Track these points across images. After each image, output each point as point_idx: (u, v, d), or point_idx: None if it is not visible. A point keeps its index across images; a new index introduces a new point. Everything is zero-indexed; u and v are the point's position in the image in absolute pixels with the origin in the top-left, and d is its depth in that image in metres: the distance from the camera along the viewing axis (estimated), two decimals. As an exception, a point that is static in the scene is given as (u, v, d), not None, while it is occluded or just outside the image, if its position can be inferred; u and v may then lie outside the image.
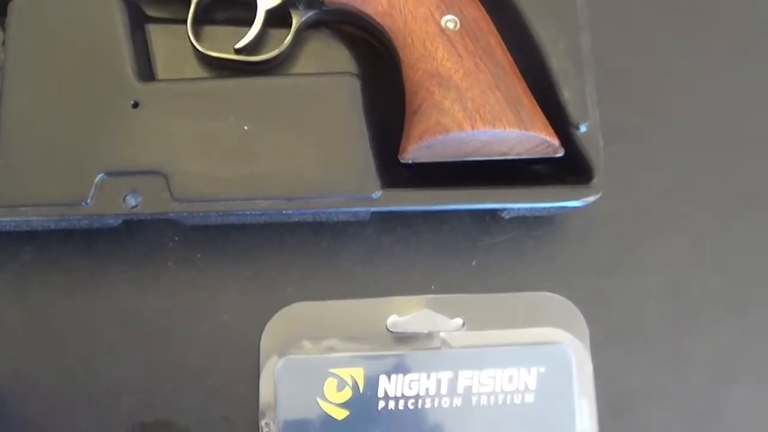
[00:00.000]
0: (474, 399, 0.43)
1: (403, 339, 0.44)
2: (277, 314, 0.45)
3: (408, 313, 0.45)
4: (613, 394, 0.45)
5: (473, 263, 0.46)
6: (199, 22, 0.45)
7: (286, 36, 0.44)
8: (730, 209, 0.47)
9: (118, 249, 0.45)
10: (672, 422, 0.45)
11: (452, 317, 0.45)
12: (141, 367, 0.44)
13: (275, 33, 0.46)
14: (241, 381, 0.44)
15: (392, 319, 0.45)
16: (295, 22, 0.44)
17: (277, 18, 0.45)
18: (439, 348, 0.44)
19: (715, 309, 0.46)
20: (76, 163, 0.42)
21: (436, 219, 0.46)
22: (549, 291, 0.45)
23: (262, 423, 0.44)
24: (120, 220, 0.44)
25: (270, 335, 0.45)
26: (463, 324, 0.45)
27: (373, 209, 0.42)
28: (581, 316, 0.45)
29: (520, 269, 0.46)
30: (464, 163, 0.43)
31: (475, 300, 0.45)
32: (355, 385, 0.43)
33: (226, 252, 0.46)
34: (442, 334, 0.44)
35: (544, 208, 0.43)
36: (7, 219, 0.42)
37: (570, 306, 0.45)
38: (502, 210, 0.44)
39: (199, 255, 0.46)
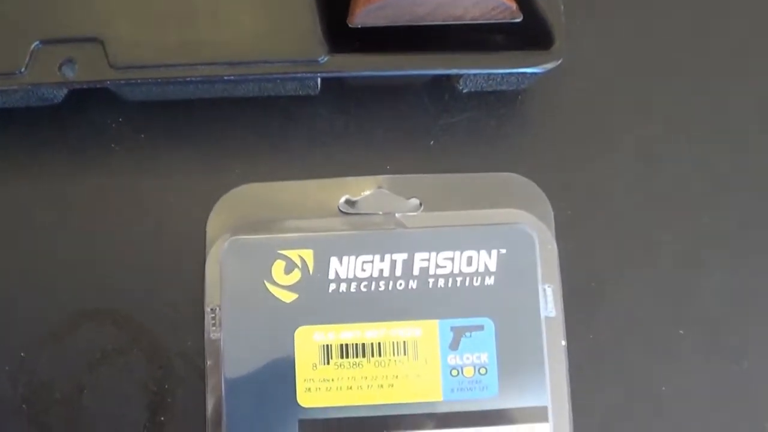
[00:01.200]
0: (431, 281, 0.41)
1: (356, 220, 0.42)
2: (224, 196, 0.42)
3: (361, 194, 0.43)
4: (579, 279, 0.42)
5: (431, 143, 0.43)
6: None
7: None
8: (704, 84, 0.44)
9: (59, 131, 0.43)
10: (639, 308, 0.42)
11: (408, 198, 0.42)
12: (82, 252, 0.42)
13: None
14: (187, 266, 0.42)
15: (345, 200, 0.42)
16: None
17: None
18: (394, 229, 0.42)
19: (685, 192, 0.43)
20: (10, 31, 0.40)
21: (392, 97, 0.43)
22: (512, 172, 0.43)
23: (208, 309, 0.41)
24: (60, 96, 0.41)
25: (217, 218, 0.42)
26: (420, 205, 0.42)
27: (320, 75, 0.40)
28: (545, 199, 0.43)
29: (481, 149, 0.43)
30: (419, 32, 0.40)
31: (432, 181, 0.43)
32: (305, 267, 0.41)
33: (172, 132, 0.43)
34: (397, 215, 0.42)
35: (503, 76, 0.41)
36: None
37: (533, 188, 0.43)
38: (458, 78, 0.41)
39: (143, 136, 0.43)
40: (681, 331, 0.43)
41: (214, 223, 0.42)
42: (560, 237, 0.42)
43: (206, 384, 0.41)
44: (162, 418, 0.41)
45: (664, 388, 0.42)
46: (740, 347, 0.42)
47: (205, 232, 0.42)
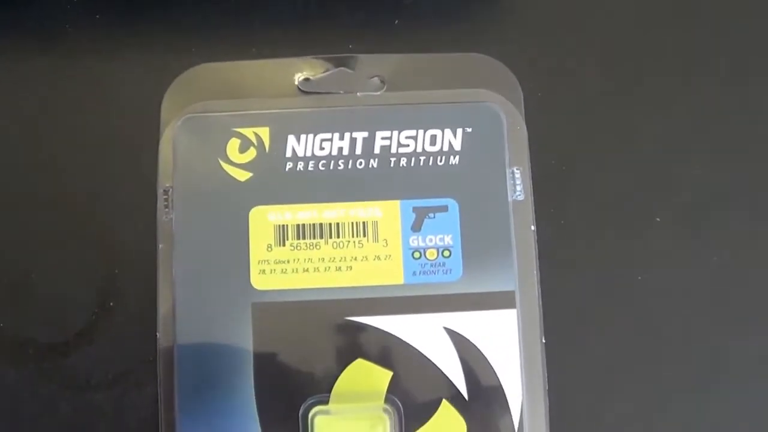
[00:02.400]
0: (392, 161, 0.39)
1: (315, 99, 0.40)
2: (180, 77, 0.40)
3: (322, 73, 0.41)
4: (549, 163, 0.40)
5: (396, 22, 0.41)
6: None
7: None
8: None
9: (12, 12, 0.42)
10: (613, 194, 0.40)
11: (370, 78, 0.41)
12: (32, 134, 0.41)
13: None
14: (141, 148, 0.40)
15: (304, 79, 0.41)
16: None
17: None
18: (355, 107, 0.40)
19: (663, 75, 0.41)
20: None
21: (356, -26, 0.42)
22: (480, 53, 0.41)
23: (161, 190, 0.40)
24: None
25: (172, 99, 0.40)
26: (383, 84, 0.40)
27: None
28: (515, 80, 0.40)
29: (449, 29, 0.41)
30: None
31: (396, 60, 0.41)
32: (260, 145, 0.39)
33: (128, 12, 0.41)
34: (358, 94, 0.40)
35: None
36: None
37: (502, 69, 0.41)
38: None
39: (98, 16, 0.41)
40: (657, 219, 0.41)
41: (169, 103, 0.40)
42: (530, 120, 0.40)
43: (158, 268, 0.39)
44: (112, 303, 0.40)
45: (640, 278, 0.40)
46: (719, 237, 0.40)
47: (159, 113, 0.41)
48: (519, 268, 0.39)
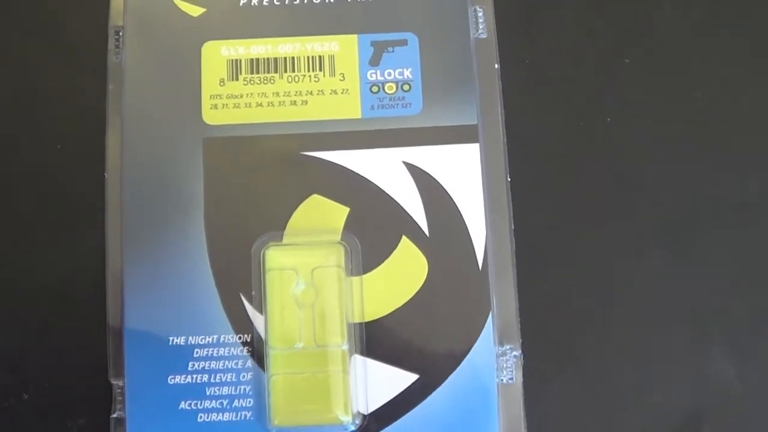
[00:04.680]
0: (349, -5, 0.38)
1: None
2: None
3: None
4: (514, 4, 0.39)
5: None
6: None
7: None
8: None
9: None
10: (583, 33, 0.39)
11: None
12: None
13: None
14: None
15: None
16: None
17: None
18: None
19: None
20: None
21: None
22: None
23: (112, 31, 0.38)
24: None
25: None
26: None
27: None
28: None
29: None
30: None
31: None
32: (214, -20, 0.38)
33: None
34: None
35: None
36: None
37: None
38: None
39: None
40: (627, 60, 0.39)
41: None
42: (494, -40, 0.39)
43: (107, 108, 0.38)
44: (59, 146, 0.38)
45: (609, 119, 0.38)
46: (692, 82, 0.39)
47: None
48: (482, 104, 0.37)
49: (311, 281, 0.35)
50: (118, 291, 0.36)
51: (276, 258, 0.35)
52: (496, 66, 0.38)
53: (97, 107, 0.38)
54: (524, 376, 0.36)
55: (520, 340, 0.36)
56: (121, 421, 0.35)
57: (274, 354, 0.35)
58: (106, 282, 0.36)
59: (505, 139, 0.37)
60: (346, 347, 0.35)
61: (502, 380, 0.36)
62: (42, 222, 0.37)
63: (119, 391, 0.35)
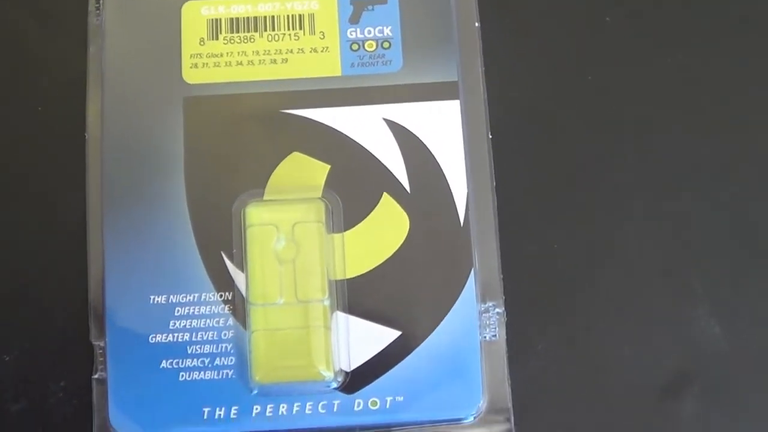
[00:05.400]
0: (329, -45, 0.38)
1: None
2: None
3: None
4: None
5: None
6: None
7: None
8: None
9: None
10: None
11: None
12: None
13: None
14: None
15: None
16: None
17: None
18: None
19: None
20: None
21: None
22: None
23: (92, -4, 0.38)
24: None
25: None
26: None
27: None
28: None
29: None
30: None
31: None
32: (193, -60, 0.38)
33: None
34: None
35: None
36: None
37: None
38: None
39: None
40: (607, 19, 0.39)
41: None
42: None
43: (87, 69, 0.38)
44: (40, 108, 0.38)
45: (590, 77, 0.38)
46: (673, 43, 0.39)
47: None
48: (462, 61, 0.37)
49: (292, 237, 0.35)
50: (99, 251, 0.36)
51: (256, 214, 0.35)
52: (477, 24, 0.38)
53: (78, 68, 0.38)
54: (507, 333, 0.36)
55: (503, 297, 0.36)
56: (102, 382, 0.35)
57: (255, 310, 0.35)
58: (87, 242, 0.36)
59: (486, 96, 0.37)
60: (327, 302, 0.35)
61: (485, 337, 0.36)
62: (21, 183, 0.37)
63: (100, 351, 0.35)
